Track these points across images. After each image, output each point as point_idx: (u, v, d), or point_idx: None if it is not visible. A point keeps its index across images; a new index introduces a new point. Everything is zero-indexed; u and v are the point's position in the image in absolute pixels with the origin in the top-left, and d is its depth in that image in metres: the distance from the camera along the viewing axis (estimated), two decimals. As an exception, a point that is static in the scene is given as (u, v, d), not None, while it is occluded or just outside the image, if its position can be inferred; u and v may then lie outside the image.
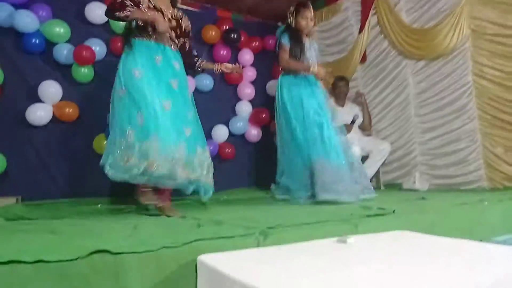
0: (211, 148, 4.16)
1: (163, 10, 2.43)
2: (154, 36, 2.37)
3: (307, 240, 1.49)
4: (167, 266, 1.28)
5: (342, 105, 4.11)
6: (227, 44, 4.35)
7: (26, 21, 3.26)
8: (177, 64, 2.45)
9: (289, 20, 3.09)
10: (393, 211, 2.02)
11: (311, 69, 2.96)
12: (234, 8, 4.62)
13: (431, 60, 3.53)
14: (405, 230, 1.65)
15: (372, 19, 3.99)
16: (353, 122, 3.93)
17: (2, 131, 3.23)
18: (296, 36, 3.03)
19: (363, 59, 4.16)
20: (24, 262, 1.08)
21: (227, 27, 4.38)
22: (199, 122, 2.53)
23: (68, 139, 3.48)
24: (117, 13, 2.27)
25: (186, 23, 2.61)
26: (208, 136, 4.31)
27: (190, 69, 2.78)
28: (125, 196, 2.70)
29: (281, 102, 3.08)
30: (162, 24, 2.30)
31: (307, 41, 3.08)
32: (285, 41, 3.03)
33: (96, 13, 3.54)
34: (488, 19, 3.09)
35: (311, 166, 2.83)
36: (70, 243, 1.32)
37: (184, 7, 4.42)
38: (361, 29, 4.06)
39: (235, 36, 4.30)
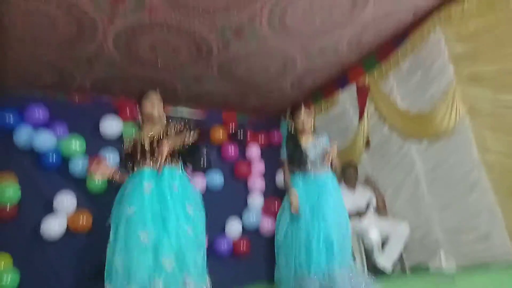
0: (225, 246, 4.08)
1: (142, 141, 2.60)
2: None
3: None
4: None
5: (353, 190, 4.10)
6: (234, 142, 4.53)
7: (44, 140, 3.46)
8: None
9: (288, 126, 3.21)
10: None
11: (291, 197, 2.97)
12: (238, 109, 4.91)
13: (434, 140, 3.58)
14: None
15: (370, 107, 4.16)
16: (368, 206, 3.87)
17: (17, 246, 3.23)
18: (294, 142, 3.12)
19: (368, 144, 4.25)
20: None
21: (233, 126, 4.60)
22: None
23: (81, 251, 3.45)
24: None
25: (170, 131, 2.63)
26: (222, 232, 4.26)
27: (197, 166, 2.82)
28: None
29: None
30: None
31: (310, 141, 3.15)
32: (284, 156, 3.15)
33: (110, 124, 3.77)
34: (481, 97, 3.16)
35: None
36: None
37: (192, 111, 4.76)
38: (360, 117, 4.21)
39: (242, 135, 4.50)
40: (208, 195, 4.35)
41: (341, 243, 2.76)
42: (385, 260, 3.55)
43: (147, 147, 2.53)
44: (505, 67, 2.96)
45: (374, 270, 3.56)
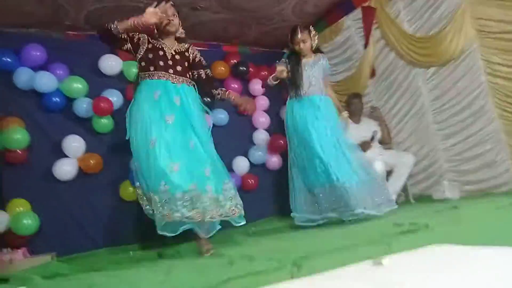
0: (234, 180, 4.19)
1: (163, 47, 2.49)
2: (156, 74, 2.42)
3: (341, 266, 1.46)
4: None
5: (358, 122, 4.10)
6: (237, 77, 4.45)
7: (45, 81, 3.43)
8: (179, 99, 2.41)
9: (289, 47, 3.27)
10: (426, 226, 1.97)
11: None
12: (239, 42, 4.75)
13: (441, 66, 3.50)
14: (441, 243, 1.60)
15: (375, 34, 4.02)
16: (372, 138, 3.90)
17: (32, 190, 3.33)
18: (294, 59, 3.18)
19: (373, 73, 4.17)
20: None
21: (235, 61, 4.49)
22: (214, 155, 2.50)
23: (95, 190, 3.56)
24: (109, 33, 2.31)
25: (193, 53, 2.63)
26: (230, 169, 4.35)
27: (210, 98, 2.79)
28: (154, 240, 2.72)
29: (286, 128, 3.24)
30: (149, 15, 2.30)
31: (308, 61, 3.20)
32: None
33: (110, 64, 3.70)
34: (491, 17, 3.05)
35: (321, 190, 2.95)
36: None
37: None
38: (366, 45, 4.09)
39: (244, 69, 4.40)
40: (214, 133, 4.39)
41: (341, 159, 2.95)
42: (390, 190, 3.64)
43: (169, 56, 2.47)
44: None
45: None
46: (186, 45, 2.62)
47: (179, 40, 2.63)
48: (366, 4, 4.01)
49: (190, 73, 2.58)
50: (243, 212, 2.38)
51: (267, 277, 1.45)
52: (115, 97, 3.64)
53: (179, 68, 2.49)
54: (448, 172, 3.59)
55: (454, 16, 3.25)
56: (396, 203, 3.09)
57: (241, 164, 4.29)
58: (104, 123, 3.58)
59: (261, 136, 4.50)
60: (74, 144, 3.46)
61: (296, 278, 1.45)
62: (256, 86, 4.51)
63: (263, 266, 1.53)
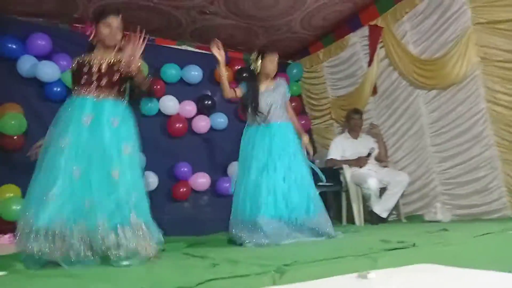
0: (227, 185, 4.19)
1: (91, 61, 2.23)
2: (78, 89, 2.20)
3: (325, 277, 1.45)
4: (182, 308, 1.26)
5: (356, 138, 4.12)
6: (239, 83, 4.45)
7: (48, 70, 3.44)
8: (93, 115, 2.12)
9: (252, 66, 3.03)
10: (414, 244, 1.95)
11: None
12: (245, 50, 4.78)
13: (443, 89, 3.52)
14: (427, 263, 1.60)
15: (380, 52, 4.05)
16: (369, 154, 3.91)
17: (24, 176, 3.30)
18: (254, 85, 2.97)
19: (374, 91, 4.19)
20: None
21: (239, 66, 4.50)
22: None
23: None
24: None
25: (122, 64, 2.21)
26: (224, 173, 4.35)
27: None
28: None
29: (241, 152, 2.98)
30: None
31: (270, 86, 2.99)
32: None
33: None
34: (495, 46, 3.09)
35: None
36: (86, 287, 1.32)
37: (197, 50, 4.64)
38: (370, 62, 4.12)
39: (248, 75, 4.41)
40: (212, 136, 4.41)
41: (295, 192, 2.69)
42: (381, 207, 3.65)
43: (95, 69, 2.19)
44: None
45: (371, 216, 3.68)
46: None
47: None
48: (374, 22, 4.06)
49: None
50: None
51: (249, 281, 1.43)
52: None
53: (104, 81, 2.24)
54: (442, 195, 3.59)
55: (459, 42, 3.28)
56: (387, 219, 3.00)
57: (236, 169, 4.27)
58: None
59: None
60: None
61: (278, 285, 1.44)
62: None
63: (246, 271, 1.52)
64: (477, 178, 3.29)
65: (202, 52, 4.56)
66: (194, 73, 4.35)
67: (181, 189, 4.09)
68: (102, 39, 2.27)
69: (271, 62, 2.97)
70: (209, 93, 4.50)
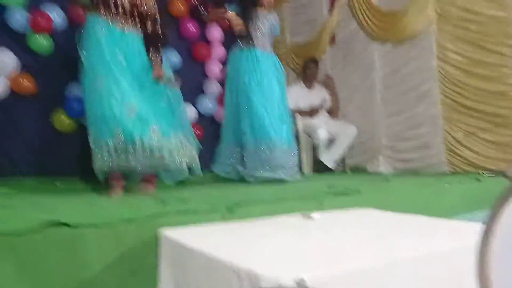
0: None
1: None
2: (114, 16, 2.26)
3: (273, 215, 1.48)
4: (127, 240, 1.24)
5: (310, 87, 4.13)
6: (195, 19, 4.22)
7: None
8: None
9: None
10: (358, 191, 2.05)
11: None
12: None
13: (398, 43, 3.56)
14: (368, 207, 1.68)
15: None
16: (321, 106, 3.95)
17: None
18: (251, 9, 3.02)
19: (333, 40, 4.16)
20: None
21: (195, 1, 4.23)
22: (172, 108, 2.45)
23: (26, 115, 3.28)
24: None
25: (147, 2, 2.39)
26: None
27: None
28: (87, 175, 2.59)
29: (227, 78, 3.15)
30: None
31: (264, 14, 3.04)
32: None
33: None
34: (453, 3, 3.12)
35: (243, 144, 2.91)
36: (23, 216, 1.24)
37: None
38: (331, 10, 4.04)
39: (204, 11, 4.16)
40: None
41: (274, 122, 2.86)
42: (329, 158, 3.77)
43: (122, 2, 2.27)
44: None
45: (318, 165, 3.80)
46: None
47: None
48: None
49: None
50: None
51: (198, 218, 1.43)
52: (55, 15, 3.28)
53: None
54: (385, 149, 3.76)
55: (420, -5, 3.27)
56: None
57: (188, 113, 4.16)
58: (41, 42, 3.24)
59: (212, 87, 4.37)
60: (6, 60, 3.12)
61: (227, 222, 1.45)
62: (214, 31, 4.32)
63: (196, 208, 1.51)
64: (419, 134, 3.46)
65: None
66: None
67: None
68: None
69: None
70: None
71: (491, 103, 2.99)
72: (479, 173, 2.87)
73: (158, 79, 2.32)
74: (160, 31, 2.44)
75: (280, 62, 3.16)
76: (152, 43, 2.38)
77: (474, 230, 0.66)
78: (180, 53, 4.08)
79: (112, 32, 2.24)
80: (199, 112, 4.25)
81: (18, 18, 3.17)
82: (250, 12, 2.98)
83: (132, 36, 2.31)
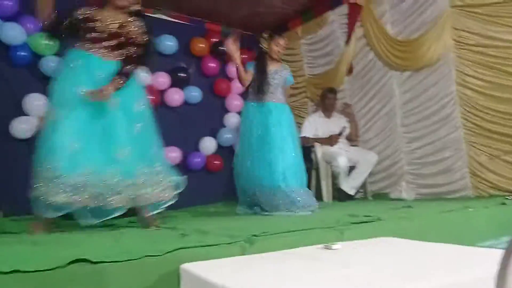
0: (198, 160, 4.16)
1: (100, 19, 2.21)
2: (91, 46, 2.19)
3: (293, 247, 1.48)
4: (149, 275, 1.26)
5: (329, 117, 4.15)
6: (216, 57, 4.38)
7: (13, 33, 3.26)
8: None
9: (263, 47, 3.10)
10: (379, 218, 2.02)
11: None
12: (224, 22, 4.66)
13: (416, 70, 3.58)
14: (391, 236, 1.65)
15: (358, 31, 4.05)
16: (340, 133, 3.96)
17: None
18: (263, 65, 3.05)
19: (350, 70, 4.21)
20: (1, 273, 1.06)
21: (216, 39, 4.41)
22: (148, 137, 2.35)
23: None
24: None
25: (131, 30, 2.25)
26: (196, 148, 4.31)
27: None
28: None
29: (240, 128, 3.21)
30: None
31: (275, 68, 3.08)
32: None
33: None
34: (469, 29, 3.15)
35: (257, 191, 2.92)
36: (49, 253, 1.29)
37: (173, 20, 4.49)
38: (347, 41, 4.12)
39: (224, 49, 4.33)
40: (185, 110, 4.34)
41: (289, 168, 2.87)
42: (350, 185, 3.74)
43: (105, 29, 2.18)
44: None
45: (339, 193, 3.76)
46: (130, 19, 2.30)
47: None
48: (353, 0, 4.03)
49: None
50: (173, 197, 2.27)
51: (218, 250, 1.44)
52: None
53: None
54: (407, 174, 3.70)
55: (436, 24, 3.32)
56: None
57: (208, 144, 4.26)
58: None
59: (232, 119, 4.47)
60: (36, 103, 3.31)
61: (247, 254, 1.46)
62: (234, 68, 4.45)
63: (216, 241, 1.53)
64: (442, 159, 3.41)
65: (178, 22, 4.42)
66: (169, 44, 4.22)
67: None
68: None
69: (278, 45, 3.06)
70: (184, 65, 4.40)
71: (513, 125, 2.94)
72: (504, 197, 2.78)
73: (94, 97, 2.07)
74: (136, 57, 2.27)
75: (291, 111, 3.18)
76: (123, 66, 2.21)
77: (498, 258, 0.65)
78: (201, 89, 4.23)
79: (91, 60, 2.18)
80: (218, 144, 4.34)
81: (51, 65, 3.37)
82: (262, 67, 3.04)
83: (111, 64, 2.20)
